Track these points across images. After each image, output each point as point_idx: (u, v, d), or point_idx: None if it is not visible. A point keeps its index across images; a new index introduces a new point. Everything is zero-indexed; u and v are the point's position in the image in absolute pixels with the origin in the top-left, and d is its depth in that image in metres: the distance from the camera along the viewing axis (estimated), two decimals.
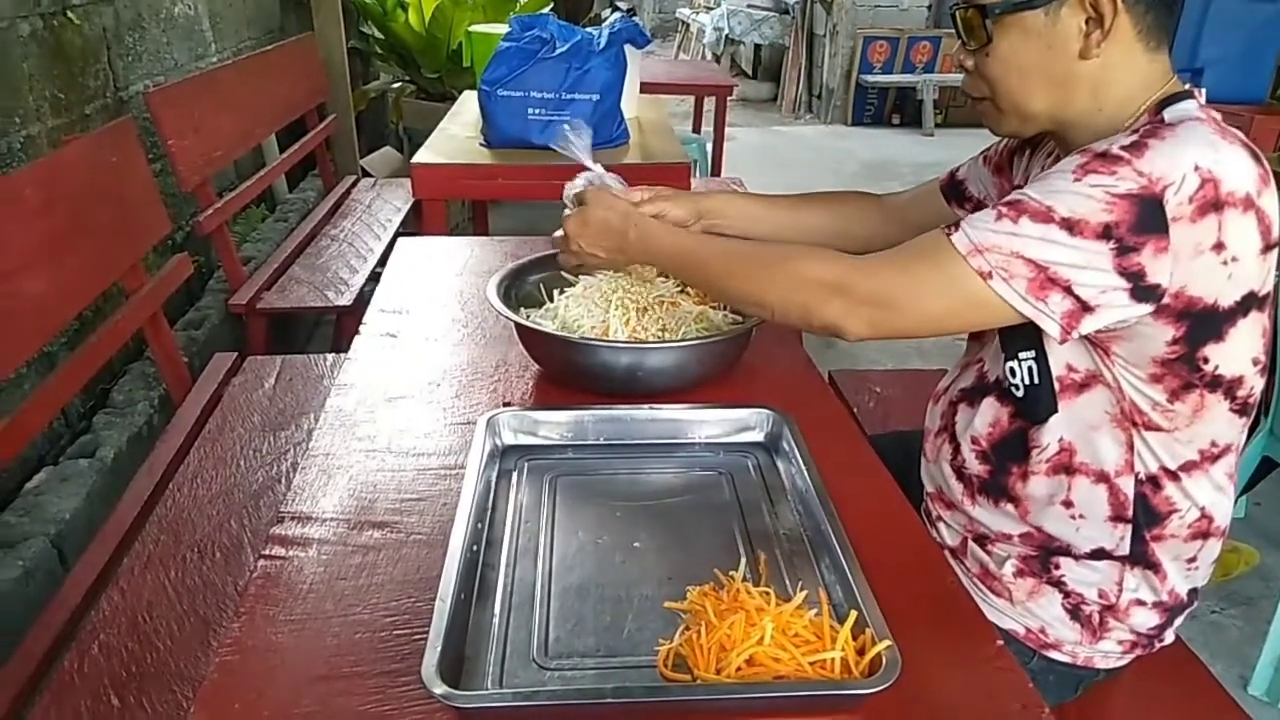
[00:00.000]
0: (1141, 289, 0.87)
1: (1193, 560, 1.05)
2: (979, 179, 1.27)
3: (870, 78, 7.14)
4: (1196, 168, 0.84)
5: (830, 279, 0.98)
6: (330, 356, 2.03)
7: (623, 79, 2.27)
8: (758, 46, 8.33)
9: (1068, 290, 0.88)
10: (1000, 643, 0.83)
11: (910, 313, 0.96)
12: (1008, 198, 0.92)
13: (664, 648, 0.79)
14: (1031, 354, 1.00)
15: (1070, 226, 0.86)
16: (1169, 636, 1.10)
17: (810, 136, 7.12)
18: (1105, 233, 0.85)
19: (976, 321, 0.97)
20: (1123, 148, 0.87)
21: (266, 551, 0.92)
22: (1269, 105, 4.10)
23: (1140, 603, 1.05)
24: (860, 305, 0.97)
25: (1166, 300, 0.87)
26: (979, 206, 1.27)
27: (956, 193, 1.30)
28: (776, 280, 1.03)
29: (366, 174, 3.88)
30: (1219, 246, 0.86)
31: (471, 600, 0.86)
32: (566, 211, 1.22)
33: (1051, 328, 0.90)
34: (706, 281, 1.13)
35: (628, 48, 2.29)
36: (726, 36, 8.31)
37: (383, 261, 2.31)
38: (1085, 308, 0.88)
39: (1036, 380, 1.00)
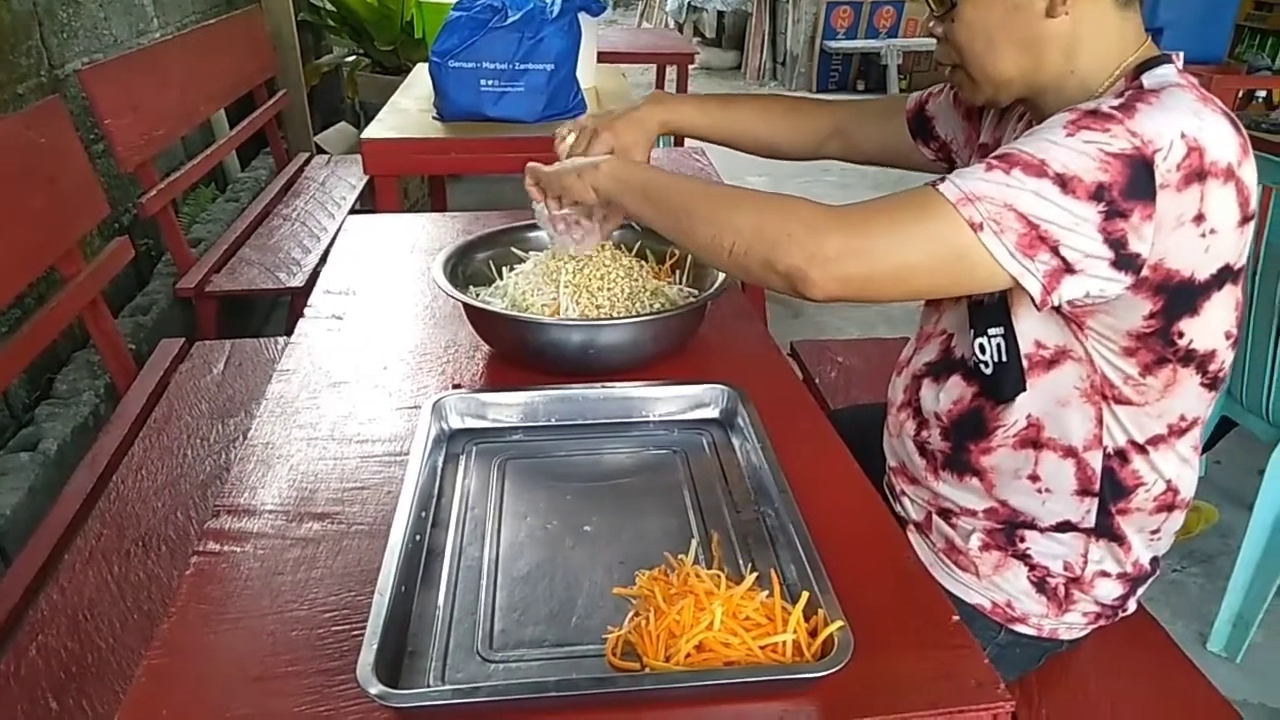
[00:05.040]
0: (1123, 257, 0.84)
1: (1156, 531, 1.04)
2: (948, 120, 1.21)
3: (834, 44, 7.08)
4: (1183, 135, 0.82)
5: (802, 221, 0.90)
6: (281, 340, 1.97)
7: (577, 48, 2.21)
8: (720, 13, 8.23)
9: (1055, 250, 0.84)
10: (956, 619, 0.81)
11: (887, 265, 0.88)
12: (998, 151, 0.87)
13: (612, 635, 0.76)
14: (1000, 330, 0.97)
15: (1064, 183, 0.82)
16: (1131, 606, 1.10)
17: None
18: (1097, 193, 0.82)
19: (955, 280, 0.89)
20: (1113, 107, 0.84)
21: (200, 547, 0.88)
22: (1227, 65, 4.13)
23: (1105, 574, 1.04)
24: (832, 254, 0.87)
25: (1145, 272, 0.85)
26: (944, 148, 1.23)
27: (924, 129, 1.24)
28: (745, 220, 0.93)
29: (321, 151, 3.79)
30: (1199, 218, 0.84)
31: (414, 592, 0.83)
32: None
33: (1034, 287, 0.86)
34: (674, 216, 1.01)
35: (582, 15, 2.23)
36: (689, 3, 8.20)
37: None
38: (1068, 269, 0.85)
39: (1004, 358, 0.97)
